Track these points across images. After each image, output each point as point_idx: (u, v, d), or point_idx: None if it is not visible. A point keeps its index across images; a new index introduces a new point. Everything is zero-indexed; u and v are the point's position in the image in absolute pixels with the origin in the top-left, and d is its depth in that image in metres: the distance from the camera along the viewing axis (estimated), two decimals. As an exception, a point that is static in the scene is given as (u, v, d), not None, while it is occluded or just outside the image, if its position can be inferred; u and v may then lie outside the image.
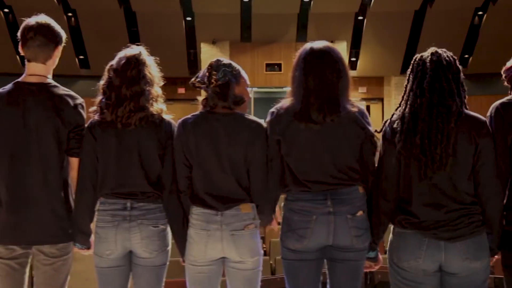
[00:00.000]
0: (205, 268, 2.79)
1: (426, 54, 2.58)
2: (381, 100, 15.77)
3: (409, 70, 2.61)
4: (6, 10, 14.31)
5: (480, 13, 13.92)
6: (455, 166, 2.43)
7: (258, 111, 16.92)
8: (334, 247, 2.67)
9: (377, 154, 2.67)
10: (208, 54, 14.03)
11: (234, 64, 2.84)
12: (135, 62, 2.85)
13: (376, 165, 2.67)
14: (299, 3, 13.80)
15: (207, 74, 2.79)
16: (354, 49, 14.95)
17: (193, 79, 2.85)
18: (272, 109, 2.74)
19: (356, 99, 2.72)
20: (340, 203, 2.62)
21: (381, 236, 2.69)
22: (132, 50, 2.92)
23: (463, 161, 2.45)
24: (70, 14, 14.38)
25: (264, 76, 15.03)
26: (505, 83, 2.78)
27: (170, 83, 14.75)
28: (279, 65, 14.71)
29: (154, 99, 2.86)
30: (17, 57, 14.80)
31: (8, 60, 13.57)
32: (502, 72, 2.78)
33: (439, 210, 2.45)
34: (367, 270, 2.85)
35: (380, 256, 2.80)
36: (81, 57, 14.98)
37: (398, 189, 2.54)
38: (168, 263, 2.95)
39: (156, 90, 2.90)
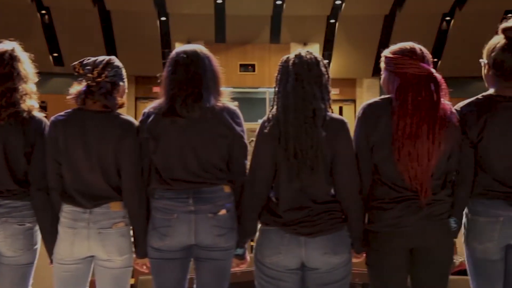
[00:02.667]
0: (72, 267, 2.73)
1: (291, 56, 2.58)
2: (354, 101, 15.97)
3: (277, 71, 2.61)
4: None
5: (448, 18, 14.23)
6: (320, 169, 2.47)
7: (231, 111, 16.97)
8: (198, 246, 2.65)
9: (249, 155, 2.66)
10: (182, 53, 14.02)
11: (123, 69, 2.86)
12: (9, 58, 2.81)
13: (248, 165, 2.66)
14: (271, 6, 13.93)
15: (100, 66, 2.76)
16: (327, 52, 15.12)
17: (77, 63, 2.80)
18: (144, 109, 2.75)
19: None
20: (201, 202, 2.60)
21: (249, 235, 2.67)
22: (5, 45, 2.86)
23: (326, 162, 2.48)
24: (43, 11, 14.27)
25: (238, 76, 15.10)
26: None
27: (145, 81, 14.83)
28: (253, 66, 14.81)
29: (27, 96, 2.81)
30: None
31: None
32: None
33: (302, 211, 2.48)
34: (234, 270, 2.82)
35: (248, 255, 2.78)
36: (55, 54, 14.86)
37: (269, 188, 2.55)
38: (35, 262, 2.86)
39: (30, 86, 2.85)
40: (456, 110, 2.68)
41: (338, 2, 13.98)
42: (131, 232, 2.79)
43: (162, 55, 15.19)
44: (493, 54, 2.70)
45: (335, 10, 14.23)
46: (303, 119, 2.46)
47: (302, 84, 2.50)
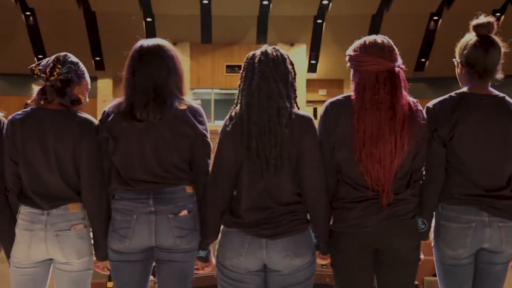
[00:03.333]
0: (29, 270, 2.66)
1: (257, 52, 2.52)
2: (340, 102, 16.04)
3: (242, 68, 2.54)
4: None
5: (436, 18, 14.29)
6: (284, 168, 2.40)
7: (218, 112, 16.92)
8: (159, 248, 2.59)
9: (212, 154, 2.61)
10: (168, 55, 13.98)
11: (81, 64, 2.76)
12: None
13: (211, 163, 2.60)
14: (258, 6, 13.91)
15: (51, 65, 2.69)
16: (314, 52, 15.14)
17: (34, 65, 2.72)
18: (105, 108, 2.68)
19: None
20: (162, 202, 2.54)
21: (211, 236, 2.60)
22: None
23: (290, 161, 2.43)
24: (28, 13, 14.15)
25: (225, 77, 15.07)
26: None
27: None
28: (239, 67, 14.74)
29: None
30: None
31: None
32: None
33: (264, 212, 2.44)
34: (198, 272, 2.74)
35: (212, 257, 2.70)
36: (40, 56, 14.75)
37: (232, 188, 2.50)
38: None
39: None
40: (428, 107, 2.62)
41: (325, 2, 13.99)
42: (91, 234, 2.70)
43: (148, 57, 15.10)
44: (465, 52, 2.64)
45: (322, 10, 14.24)
46: (267, 117, 2.39)
47: (268, 82, 2.43)
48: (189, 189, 2.59)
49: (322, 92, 15.55)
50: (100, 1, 13.45)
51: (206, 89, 15.36)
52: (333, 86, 15.73)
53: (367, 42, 2.54)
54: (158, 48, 2.60)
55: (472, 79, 2.63)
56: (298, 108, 2.51)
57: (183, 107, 2.56)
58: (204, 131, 2.59)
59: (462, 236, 2.55)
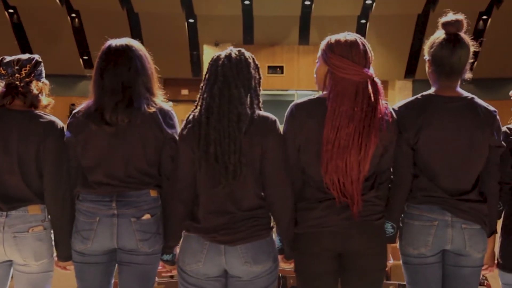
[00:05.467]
0: None
1: (222, 55, 2.47)
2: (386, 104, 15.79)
3: (206, 71, 2.50)
4: (11, 10, 14.34)
5: (485, 17, 13.90)
6: (246, 171, 2.36)
7: (260, 113, 16.92)
8: (121, 249, 2.57)
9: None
10: (211, 56, 13.90)
11: (42, 66, 2.73)
12: None
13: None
14: (300, 6, 13.80)
15: (13, 65, 2.66)
16: (357, 53, 14.94)
17: None
18: (74, 110, 2.65)
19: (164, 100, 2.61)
20: (125, 206, 2.52)
21: (172, 239, 2.58)
22: None
23: (252, 165, 2.38)
24: (74, 15, 14.41)
25: (266, 78, 14.98)
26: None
27: (173, 84, 14.81)
28: (281, 68, 14.71)
29: None
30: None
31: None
32: None
33: (223, 216, 2.39)
34: (166, 275, 2.75)
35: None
36: (85, 57, 15.01)
37: (191, 192, 2.47)
38: None
39: None
40: (394, 109, 2.55)
41: (368, 2, 13.77)
42: (53, 236, 2.69)
43: (190, 58, 15.22)
44: (432, 50, 2.60)
45: (366, 10, 14.03)
46: (226, 122, 2.35)
47: (229, 87, 2.39)
48: (153, 193, 2.57)
49: (366, 93, 15.31)
50: (143, 2, 13.60)
51: (248, 90, 15.34)
52: (377, 87, 15.48)
53: (348, 45, 2.44)
54: (126, 48, 2.57)
55: (439, 78, 2.58)
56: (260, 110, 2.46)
57: (152, 109, 2.51)
58: (174, 135, 2.54)
59: (424, 234, 2.53)
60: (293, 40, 14.51)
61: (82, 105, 2.60)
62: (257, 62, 2.52)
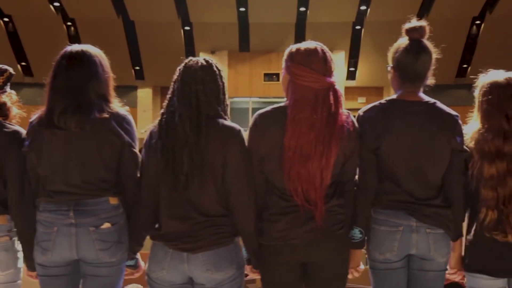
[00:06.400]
0: None
1: (187, 63, 2.48)
2: (380, 109, 15.84)
3: (173, 81, 2.50)
4: (6, 19, 14.37)
5: (478, 22, 13.98)
6: (206, 179, 2.37)
7: (256, 120, 16.90)
8: (83, 261, 2.53)
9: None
10: (207, 63, 14.07)
11: (6, 74, 2.73)
12: None
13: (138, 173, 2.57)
14: (295, 13, 13.85)
15: None
16: (353, 59, 14.99)
17: None
18: (31, 118, 2.61)
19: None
20: (83, 215, 2.48)
21: (135, 246, 2.58)
22: None
23: (214, 172, 2.38)
24: (69, 23, 14.44)
25: (263, 85, 15.04)
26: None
27: (169, 92, 14.46)
28: (277, 75, 14.73)
29: None
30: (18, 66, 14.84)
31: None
32: None
33: (185, 223, 2.40)
34: (128, 277, 2.72)
35: (141, 262, 2.70)
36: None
37: (157, 198, 2.46)
38: None
39: None
40: (358, 115, 2.57)
41: (363, 8, 13.84)
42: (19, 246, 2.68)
43: (186, 65, 15.23)
44: (396, 55, 2.61)
45: (360, 16, 14.09)
46: (188, 130, 2.37)
47: (191, 95, 2.40)
48: (113, 201, 2.53)
49: (361, 100, 15.36)
50: (139, 10, 13.62)
51: (244, 97, 15.36)
52: (373, 93, 15.52)
53: (306, 53, 2.43)
54: (81, 53, 2.54)
55: (403, 84, 2.60)
56: (227, 119, 2.46)
57: (106, 115, 2.48)
58: (131, 140, 2.53)
59: (390, 239, 2.54)
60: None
61: (38, 113, 2.57)
62: (221, 69, 2.51)
